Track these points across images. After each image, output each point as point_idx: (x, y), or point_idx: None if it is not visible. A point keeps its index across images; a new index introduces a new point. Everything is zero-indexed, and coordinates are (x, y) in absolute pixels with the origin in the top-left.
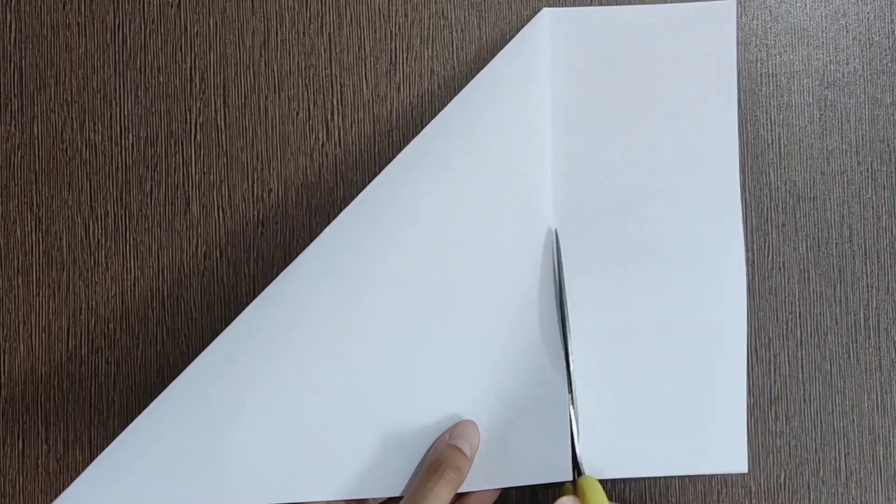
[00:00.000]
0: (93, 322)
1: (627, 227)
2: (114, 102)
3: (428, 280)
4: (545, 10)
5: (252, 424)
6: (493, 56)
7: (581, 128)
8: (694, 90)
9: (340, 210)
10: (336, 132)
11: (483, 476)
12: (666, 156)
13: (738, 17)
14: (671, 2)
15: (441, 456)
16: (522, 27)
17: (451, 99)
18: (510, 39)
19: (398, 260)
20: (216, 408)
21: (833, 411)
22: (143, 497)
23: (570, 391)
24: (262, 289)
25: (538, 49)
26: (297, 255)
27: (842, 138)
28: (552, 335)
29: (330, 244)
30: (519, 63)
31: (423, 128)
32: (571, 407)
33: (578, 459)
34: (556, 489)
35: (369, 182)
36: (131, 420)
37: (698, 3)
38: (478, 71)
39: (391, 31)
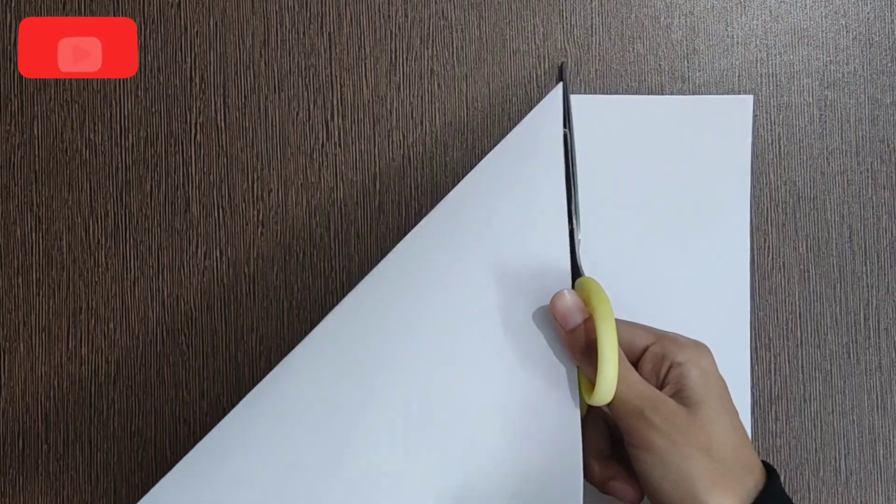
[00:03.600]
0: (93, 322)
1: (641, 311)
2: (114, 102)
3: (440, 359)
4: (573, 98)
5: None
6: (492, 56)
7: (598, 207)
8: (709, 179)
9: (340, 210)
10: (336, 132)
11: None
12: (678, 241)
13: (754, 111)
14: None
15: None
16: (522, 30)
17: (450, 99)
18: (510, 41)
19: (407, 341)
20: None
21: (833, 411)
22: None
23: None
24: (262, 288)
25: (553, 125)
26: (298, 255)
27: (842, 138)
28: (570, 411)
29: (339, 325)
30: (534, 140)
31: (422, 128)
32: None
33: (578, 262)
34: None
35: (369, 182)
36: (131, 420)
37: (717, 96)
38: (477, 70)
39: (391, 31)
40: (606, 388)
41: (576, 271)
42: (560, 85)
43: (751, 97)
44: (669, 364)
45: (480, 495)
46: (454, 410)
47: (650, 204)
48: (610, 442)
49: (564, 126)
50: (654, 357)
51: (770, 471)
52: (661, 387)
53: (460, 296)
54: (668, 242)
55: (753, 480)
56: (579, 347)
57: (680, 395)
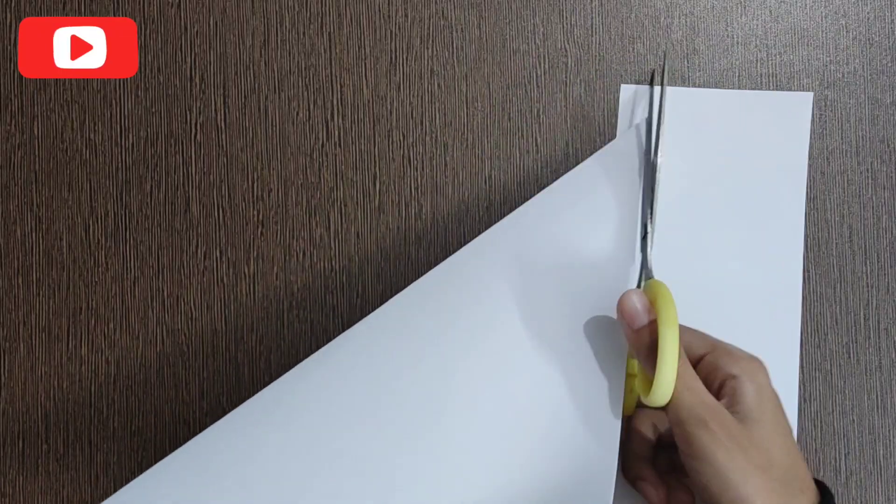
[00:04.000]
0: (93, 322)
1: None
2: (114, 102)
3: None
4: (640, 120)
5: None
6: (492, 56)
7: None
8: (766, 176)
9: (341, 210)
10: (336, 132)
11: None
12: (734, 242)
13: (813, 109)
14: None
15: None
16: (522, 30)
17: (450, 99)
18: (510, 41)
19: (449, 340)
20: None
21: (833, 411)
22: None
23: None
24: (262, 289)
25: (633, 154)
26: (298, 255)
27: (842, 138)
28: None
29: (368, 332)
30: (613, 171)
31: (422, 128)
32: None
33: (648, 262)
34: None
35: (369, 182)
36: (131, 420)
37: (778, 92)
38: (477, 70)
39: (391, 31)
40: (663, 391)
41: (646, 271)
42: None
43: (811, 94)
44: (724, 376)
45: (510, 499)
46: (491, 411)
47: (708, 201)
48: (652, 445)
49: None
50: (709, 367)
51: (824, 490)
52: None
53: (514, 298)
54: (724, 243)
55: (808, 500)
56: (644, 347)
57: (734, 409)
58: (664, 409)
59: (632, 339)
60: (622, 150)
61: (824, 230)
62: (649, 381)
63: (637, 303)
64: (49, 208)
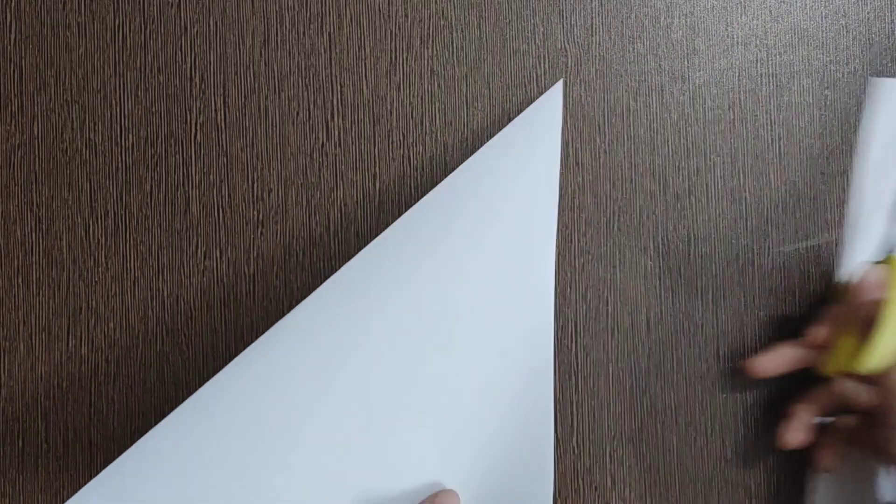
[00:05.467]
0: (93, 322)
1: None
2: (114, 102)
3: (420, 344)
4: (559, 83)
5: (231, 476)
6: (492, 56)
7: None
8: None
9: (341, 210)
10: (336, 132)
11: None
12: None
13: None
14: None
15: None
16: (522, 30)
17: (450, 99)
18: (510, 41)
19: (391, 320)
20: (195, 457)
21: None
22: None
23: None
24: (262, 288)
25: (553, 120)
26: (298, 255)
27: (842, 138)
28: (544, 407)
29: (325, 300)
30: (535, 132)
31: (422, 128)
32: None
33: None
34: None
35: (369, 182)
36: (131, 420)
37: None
38: (477, 70)
39: (391, 31)
40: (881, 353)
41: (891, 244)
42: (561, 82)
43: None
44: None
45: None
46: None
47: None
48: (822, 413)
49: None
50: None
51: None
52: None
53: (447, 286)
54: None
55: None
56: (864, 316)
57: None
58: (872, 379)
59: (853, 308)
60: (542, 116)
61: (824, 230)
62: (859, 351)
63: (874, 276)
64: (49, 208)
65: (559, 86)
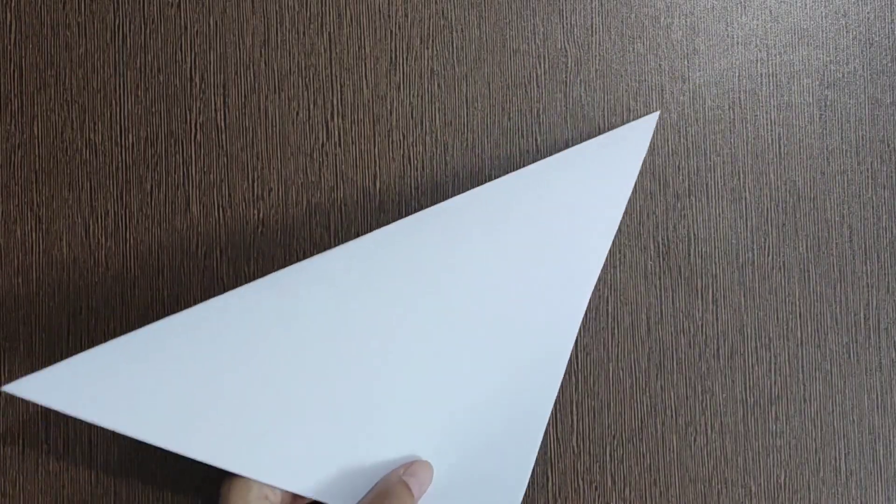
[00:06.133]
0: (93, 322)
1: None
2: (114, 102)
3: (446, 311)
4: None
5: (238, 384)
6: (492, 56)
7: None
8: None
9: (341, 210)
10: (336, 132)
11: None
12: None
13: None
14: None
15: (390, 488)
16: (522, 30)
17: (450, 99)
18: (510, 41)
19: (430, 279)
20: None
21: (833, 411)
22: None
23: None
24: None
25: (640, 147)
26: (298, 255)
27: (842, 138)
28: (542, 405)
29: (354, 253)
30: (620, 153)
31: (422, 128)
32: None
33: None
34: None
35: (369, 182)
36: None
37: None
38: (477, 70)
39: (391, 31)
40: None
41: None
42: (657, 113)
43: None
44: None
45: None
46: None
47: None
48: None
49: None
50: None
51: None
52: None
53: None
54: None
55: None
56: None
57: None
58: None
59: None
60: (629, 139)
61: (824, 230)
62: None
63: None
64: (49, 208)
65: (655, 116)
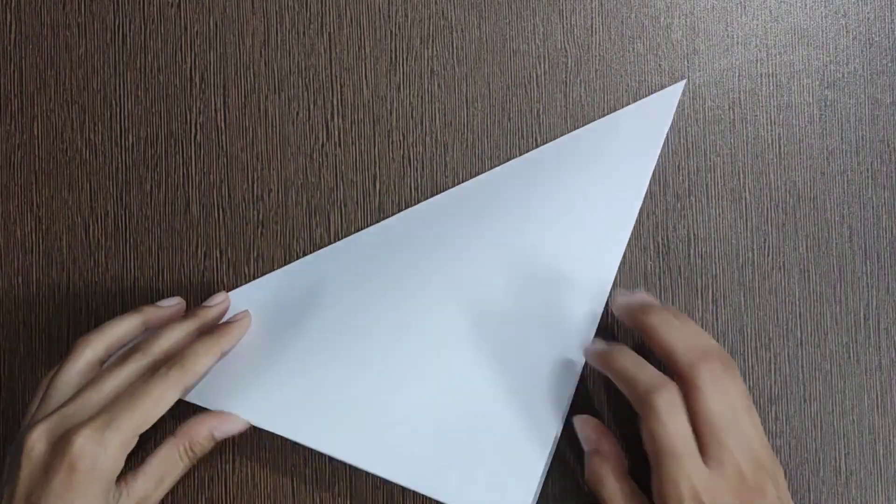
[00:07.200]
0: (93, 322)
1: None
2: (114, 102)
3: (476, 288)
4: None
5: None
6: (492, 56)
7: None
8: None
9: (341, 210)
10: (336, 132)
11: (434, 483)
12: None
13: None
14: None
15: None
16: (522, 30)
17: (450, 99)
18: (510, 41)
19: (459, 259)
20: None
21: (833, 411)
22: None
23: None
24: None
25: (664, 119)
26: (297, 255)
27: (842, 138)
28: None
29: (408, 222)
30: (644, 124)
31: (422, 128)
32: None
33: None
34: None
35: (369, 182)
36: None
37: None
38: (477, 70)
39: (391, 31)
40: None
41: None
42: (683, 82)
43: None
44: None
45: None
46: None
47: None
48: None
49: None
50: None
51: None
52: None
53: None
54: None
55: None
56: None
57: None
58: None
59: None
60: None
61: (824, 230)
62: None
63: None
64: (49, 208)
65: (681, 85)
